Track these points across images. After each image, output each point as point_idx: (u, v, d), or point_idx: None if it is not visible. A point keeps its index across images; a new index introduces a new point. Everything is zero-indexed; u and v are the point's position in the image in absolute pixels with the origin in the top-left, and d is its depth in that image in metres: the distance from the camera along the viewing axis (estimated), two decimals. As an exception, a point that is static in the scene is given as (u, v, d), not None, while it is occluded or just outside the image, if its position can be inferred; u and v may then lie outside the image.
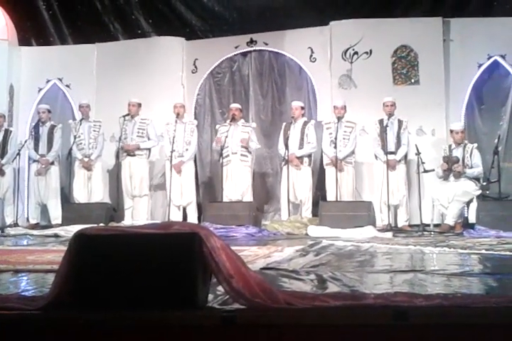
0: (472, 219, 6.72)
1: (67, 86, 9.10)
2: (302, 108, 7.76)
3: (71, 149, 7.89)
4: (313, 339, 2.12)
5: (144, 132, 7.91)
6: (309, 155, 7.64)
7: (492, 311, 2.18)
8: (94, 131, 8.09)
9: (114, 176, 8.06)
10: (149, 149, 8.01)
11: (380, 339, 2.10)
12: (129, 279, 2.23)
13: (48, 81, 9.10)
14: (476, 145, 7.24)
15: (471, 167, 7.01)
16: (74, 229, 5.35)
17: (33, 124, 8.36)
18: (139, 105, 7.96)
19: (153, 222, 4.06)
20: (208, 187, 8.64)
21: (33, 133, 8.20)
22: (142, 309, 2.18)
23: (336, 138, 7.29)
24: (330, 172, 7.46)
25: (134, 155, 7.87)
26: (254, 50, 8.80)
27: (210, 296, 2.45)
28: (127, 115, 7.85)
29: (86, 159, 8.00)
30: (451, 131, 7.28)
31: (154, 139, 7.98)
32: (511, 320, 2.12)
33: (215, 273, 2.26)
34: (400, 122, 7.44)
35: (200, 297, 2.24)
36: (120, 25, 9.52)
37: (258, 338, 2.13)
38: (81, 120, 8.10)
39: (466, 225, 6.81)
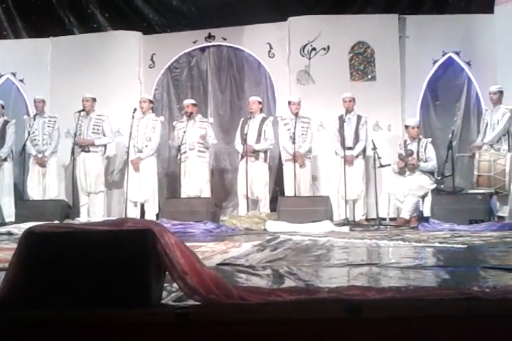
0: (427, 212, 6.84)
1: (21, 81, 8.89)
2: (260, 103, 7.77)
3: (25, 145, 7.71)
4: (267, 335, 2.13)
5: (99, 128, 7.80)
6: (265, 151, 7.65)
7: (443, 303, 2.21)
8: (49, 126, 7.94)
9: (70, 173, 7.93)
10: (105, 145, 7.90)
11: (333, 333, 2.12)
12: (81, 277, 2.20)
13: (1, 75, 8.88)
14: (430, 139, 7.38)
15: (426, 161, 7.15)
16: (27, 226, 5.22)
17: (-15, 120, 8.14)
18: (94, 100, 7.84)
19: (107, 219, 4.00)
20: (166, 184, 8.58)
21: (-16, 129, 7.98)
22: (95, 307, 2.14)
23: (294, 134, 7.32)
24: (288, 167, 7.49)
25: (88, 151, 7.75)
26: (213, 45, 8.77)
27: (165, 293, 2.43)
28: (82, 110, 7.72)
29: (40, 155, 7.84)
30: (407, 127, 7.40)
31: (110, 136, 7.88)
32: (462, 311, 2.16)
33: (169, 270, 2.25)
34: (358, 118, 7.52)
35: (153, 294, 2.22)
36: (76, 19, 9.35)
37: (212, 334, 2.12)
38: (35, 115, 7.93)
39: (421, 219, 6.94)
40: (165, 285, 2.44)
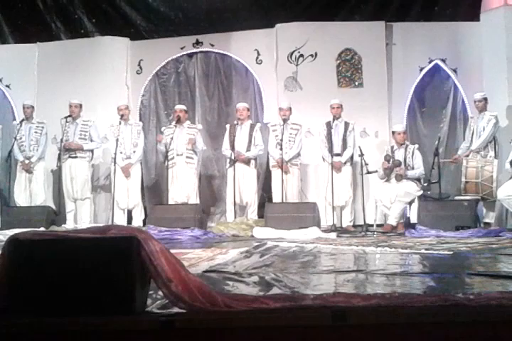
0: (414, 219, 6.86)
1: (7, 86, 8.85)
2: (248, 109, 7.78)
3: (11, 151, 7.66)
4: (252, 342, 2.12)
5: (86, 134, 7.77)
6: (255, 158, 7.66)
7: (428, 310, 2.22)
8: (36, 132, 7.88)
9: (57, 179, 7.88)
10: (92, 151, 7.87)
11: (318, 340, 2.12)
12: (65, 284, 2.18)
13: (-12, 81, 8.84)
14: (417, 146, 7.41)
15: (413, 168, 7.18)
16: (13, 233, 5.19)
17: (-28, 125, 8.09)
18: (80, 106, 7.81)
19: (93, 226, 3.98)
20: (154, 190, 8.55)
21: (-29, 135, 7.93)
22: (79, 315, 2.13)
23: (281, 140, 7.33)
24: (276, 174, 7.50)
25: (76, 157, 7.72)
26: (201, 52, 8.78)
27: (150, 301, 2.42)
28: (69, 116, 7.70)
29: (27, 161, 7.79)
30: (393, 133, 7.44)
31: (97, 141, 7.85)
32: (446, 318, 2.16)
33: (154, 277, 2.24)
34: (346, 124, 7.54)
35: (138, 301, 2.21)
36: (63, 25, 9.32)
37: (197, 342, 2.11)
38: (21, 121, 7.88)
39: (408, 225, 6.95)
40: (150, 292, 2.43)
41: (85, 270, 2.18)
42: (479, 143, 7.12)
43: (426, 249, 4.71)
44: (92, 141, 7.81)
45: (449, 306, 2.23)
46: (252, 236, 6.52)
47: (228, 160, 7.57)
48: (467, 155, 7.13)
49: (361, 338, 2.12)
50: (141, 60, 8.75)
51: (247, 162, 7.54)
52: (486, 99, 7.27)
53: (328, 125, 7.49)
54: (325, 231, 6.64)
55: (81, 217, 7.71)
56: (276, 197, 7.42)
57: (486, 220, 6.98)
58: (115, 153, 7.41)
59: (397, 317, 2.16)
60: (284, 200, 7.22)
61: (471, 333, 2.11)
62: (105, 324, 2.12)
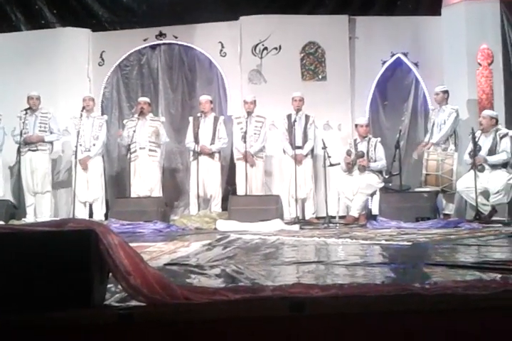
0: (375, 210, 6.95)
1: (-35, 78, 8.62)
2: (211, 102, 7.76)
3: (-31, 144, 7.50)
4: (212, 334, 2.13)
5: (46, 126, 7.64)
6: (219, 151, 7.65)
7: (384, 300, 2.26)
8: (-8, 126, 7.71)
9: (16, 172, 7.74)
10: (52, 144, 7.75)
11: (277, 330, 2.14)
12: (22, 279, 2.16)
13: None
14: (379, 139, 7.51)
15: (375, 160, 7.27)
16: (-29, 227, 5.09)
17: None
18: (39, 98, 7.67)
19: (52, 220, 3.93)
20: (116, 183, 8.46)
21: None
22: (36, 309, 2.11)
23: (245, 133, 7.33)
24: (240, 166, 7.50)
25: (36, 150, 7.59)
26: (164, 44, 8.69)
27: (109, 294, 2.40)
28: (28, 109, 7.56)
29: (-15, 155, 7.63)
30: (356, 125, 7.52)
31: (57, 133, 7.74)
32: (402, 307, 2.21)
33: (113, 271, 2.23)
34: (307, 117, 7.60)
35: (96, 295, 2.19)
36: (23, 15, 9.08)
37: (156, 335, 2.11)
38: (-23, 114, 7.69)
39: (370, 217, 7.05)
40: (109, 286, 2.41)
41: (42, 264, 2.16)
42: (440, 136, 7.25)
43: (386, 240, 4.79)
44: (51, 133, 7.69)
45: (405, 295, 2.27)
46: (216, 229, 6.53)
47: (192, 153, 7.54)
48: (428, 148, 7.26)
49: (320, 328, 2.15)
50: (103, 51, 8.61)
51: (211, 155, 7.52)
52: (445, 91, 7.39)
53: (289, 118, 7.54)
54: (288, 223, 6.68)
55: (41, 210, 7.59)
56: (241, 190, 7.43)
57: (446, 212, 7.11)
58: (76, 146, 7.32)
59: (354, 306, 2.20)
60: (249, 193, 7.24)
61: (426, 321, 2.16)
62: (63, 318, 2.10)
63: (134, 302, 2.22)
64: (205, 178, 7.46)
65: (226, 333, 2.13)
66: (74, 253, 2.17)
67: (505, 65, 7.74)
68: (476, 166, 6.58)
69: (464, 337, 2.14)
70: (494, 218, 6.64)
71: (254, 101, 7.63)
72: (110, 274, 2.28)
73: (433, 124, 7.42)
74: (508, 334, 2.13)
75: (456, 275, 3.00)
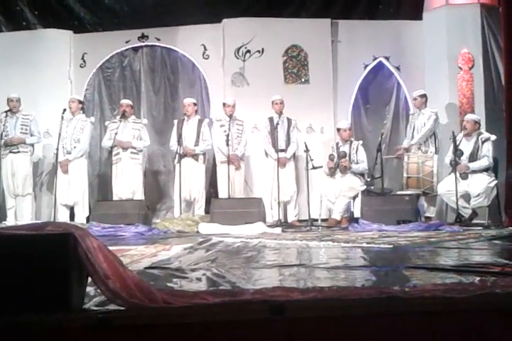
0: (357, 213, 6.98)
1: None
2: (195, 104, 7.75)
3: None
4: (191, 338, 2.12)
5: (27, 128, 7.59)
6: (204, 153, 7.64)
7: (364, 302, 2.27)
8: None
9: (-4, 175, 7.66)
10: (33, 146, 7.68)
11: (257, 334, 2.14)
12: (0, 282, 2.13)
13: None
14: (361, 142, 7.55)
15: (357, 163, 7.31)
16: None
17: None
18: (19, 100, 7.61)
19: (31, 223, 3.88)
20: (98, 186, 8.40)
21: None
22: (14, 313, 2.09)
23: (227, 136, 7.32)
24: (222, 169, 7.48)
25: (17, 152, 7.52)
26: (146, 46, 8.66)
27: (87, 298, 2.38)
28: (9, 111, 7.50)
29: (-35, 158, 7.54)
30: (339, 129, 7.54)
31: (37, 135, 7.68)
32: (381, 310, 2.22)
33: (91, 274, 2.21)
34: (289, 120, 7.62)
35: (74, 298, 2.18)
36: (3, 16, 8.98)
37: (135, 339, 2.10)
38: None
39: (352, 219, 7.07)
40: (88, 289, 2.39)
41: (20, 268, 2.14)
42: (419, 138, 7.34)
43: (367, 243, 4.80)
44: (32, 135, 7.62)
45: (385, 298, 2.28)
46: (198, 232, 6.50)
47: (176, 156, 7.51)
48: (407, 149, 7.32)
49: (300, 331, 2.15)
50: (85, 53, 8.56)
51: (195, 157, 7.50)
52: (423, 95, 7.47)
53: (271, 120, 7.56)
54: (270, 226, 6.68)
55: (22, 213, 7.52)
56: (223, 193, 7.42)
57: (427, 214, 7.17)
58: (57, 149, 7.26)
59: (333, 309, 2.20)
60: (231, 196, 7.23)
61: (405, 324, 2.17)
62: (41, 321, 2.09)
63: (112, 306, 2.21)
64: (189, 181, 7.44)
65: (206, 337, 2.12)
66: (52, 256, 2.15)
67: (486, 69, 7.82)
68: (460, 174, 6.64)
69: (443, 339, 2.15)
70: (475, 221, 6.69)
71: (235, 104, 7.64)
72: (89, 278, 2.27)
73: (413, 129, 7.49)
74: (486, 336, 2.15)
75: (436, 278, 3.02)
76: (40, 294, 2.13)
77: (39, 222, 6.14)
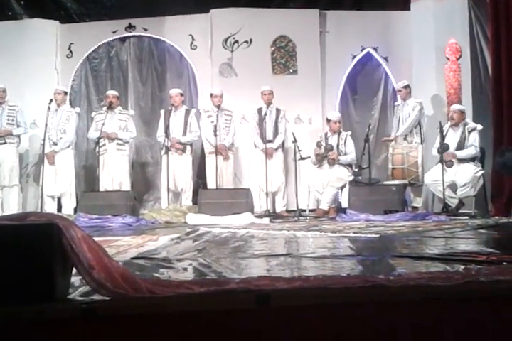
0: (345, 203, 7.00)
1: None
2: (182, 95, 7.71)
3: None
4: (177, 328, 2.12)
5: (13, 119, 7.52)
6: (190, 144, 7.62)
7: (349, 291, 2.28)
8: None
9: (-18, 166, 7.59)
10: (19, 137, 7.63)
11: (243, 323, 2.14)
12: (-17, 273, 2.12)
13: None
14: (349, 133, 7.56)
15: (345, 154, 7.32)
16: None
17: None
18: (5, 91, 7.54)
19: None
20: (84, 177, 8.36)
21: None
22: (-2, 304, 2.08)
23: (215, 127, 7.30)
24: (211, 160, 7.47)
25: (4, 143, 7.46)
26: (133, 36, 8.59)
27: (72, 288, 2.37)
28: (-6, 102, 7.45)
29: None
30: (329, 121, 7.54)
31: (24, 126, 7.62)
32: (367, 298, 2.23)
33: (76, 265, 2.20)
34: (277, 111, 7.61)
35: (59, 289, 2.17)
36: (-12, 6, 8.92)
37: (120, 329, 2.10)
38: None
39: (340, 209, 7.10)
40: (72, 280, 2.38)
41: (4, 258, 2.12)
42: (404, 128, 7.39)
43: (354, 233, 4.82)
44: (18, 126, 7.57)
45: (370, 287, 2.29)
46: (185, 222, 6.50)
47: (163, 147, 7.48)
48: (391, 140, 7.36)
49: (285, 320, 2.15)
50: (72, 43, 8.49)
51: (182, 148, 7.48)
52: (407, 86, 7.51)
53: (260, 111, 7.55)
54: (258, 216, 6.69)
55: (9, 204, 7.48)
56: (211, 184, 7.42)
57: (414, 204, 7.20)
58: (43, 140, 7.21)
59: (319, 298, 2.21)
60: (219, 187, 7.23)
61: (390, 312, 2.18)
62: (25, 312, 2.07)
63: (97, 296, 2.20)
64: (176, 172, 7.42)
65: (191, 326, 2.12)
66: (36, 247, 2.13)
67: (473, 59, 7.83)
68: (446, 162, 6.66)
69: (428, 327, 2.17)
70: (461, 211, 6.73)
71: (222, 94, 7.61)
72: (74, 268, 2.25)
73: (399, 119, 7.52)
74: (470, 323, 2.16)
75: (421, 266, 3.03)
76: (24, 284, 2.11)
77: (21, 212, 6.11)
